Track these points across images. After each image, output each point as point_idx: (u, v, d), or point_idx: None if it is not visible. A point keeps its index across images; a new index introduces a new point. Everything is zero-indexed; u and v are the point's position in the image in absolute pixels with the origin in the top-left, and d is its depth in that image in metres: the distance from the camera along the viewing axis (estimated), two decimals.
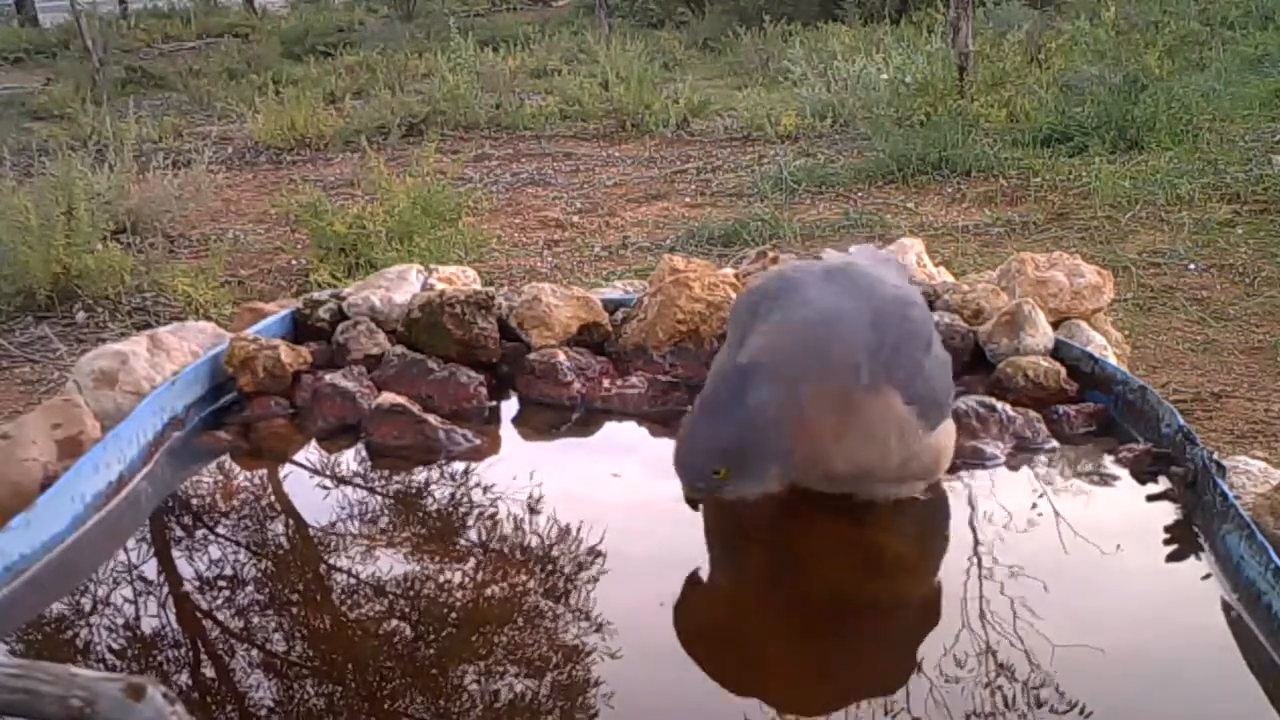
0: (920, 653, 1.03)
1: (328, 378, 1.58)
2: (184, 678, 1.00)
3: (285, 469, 1.43)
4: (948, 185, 5.27)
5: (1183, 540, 1.20)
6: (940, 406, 1.23)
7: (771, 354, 1.14)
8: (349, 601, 1.13)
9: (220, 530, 1.27)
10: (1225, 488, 1.20)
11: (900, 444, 1.16)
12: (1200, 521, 1.22)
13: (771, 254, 1.91)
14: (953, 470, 1.33)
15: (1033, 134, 5.74)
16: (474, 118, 7.38)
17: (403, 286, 1.82)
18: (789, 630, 1.10)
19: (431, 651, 1.05)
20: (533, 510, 1.31)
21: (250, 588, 1.15)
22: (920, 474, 1.25)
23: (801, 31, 9.58)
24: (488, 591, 1.15)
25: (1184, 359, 3.30)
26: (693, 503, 1.18)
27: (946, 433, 1.26)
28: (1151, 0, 9.02)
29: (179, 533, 1.27)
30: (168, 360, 1.60)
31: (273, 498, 1.35)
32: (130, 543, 1.25)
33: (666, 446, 1.44)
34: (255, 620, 1.10)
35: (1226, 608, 1.08)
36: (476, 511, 1.31)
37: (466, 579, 1.17)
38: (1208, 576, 1.14)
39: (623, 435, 1.52)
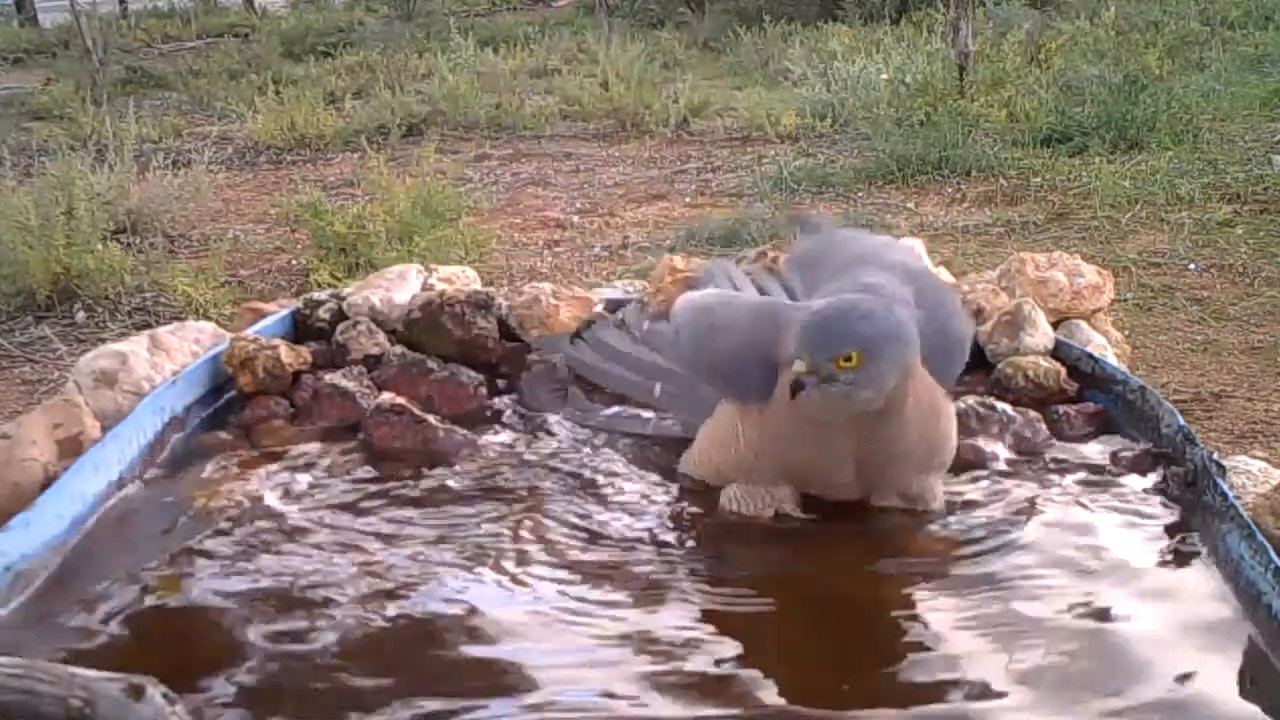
0: (919, 653, 1.04)
1: (328, 378, 1.58)
2: (184, 678, 1.00)
3: (285, 468, 1.43)
4: (948, 185, 5.26)
5: (1182, 540, 1.20)
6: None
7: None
8: (348, 601, 1.13)
9: (219, 530, 1.27)
10: (1225, 488, 1.20)
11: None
12: (1200, 521, 1.22)
13: (771, 254, 1.91)
14: (953, 470, 1.33)
15: (1033, 134, 5.74)
16: (474, 118, 7.38)
17: (403, 286, 1.82)
18: (792, 630, 1.10)
19: (431, 649, 1.05)
20: (534, 510, 1.30)
21: (249, 587, 1.15)
22: (942, 464, 1.29)
23: (801, 32, 9.57)
24: (488, 590, 1.15)
25: (1184, 359, 3.29)
26: (796, 387, 1.10)
27: (950, 418, 1.29)
28: (1151, 0, 9.02)
29: (179, 532, 1.27)
30: (168, 360, 1.60)
31: (272, 497, 1.35)
32: (130, 542, 1.25)
33: (665, 447, 1.44)
34: (255, 619, 1.09)
35: (1226, 608, 1.08)
36: (477, 511, 1.31)
37: (467, 579, 1.17)
38: (1207, 576, 1.13)
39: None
